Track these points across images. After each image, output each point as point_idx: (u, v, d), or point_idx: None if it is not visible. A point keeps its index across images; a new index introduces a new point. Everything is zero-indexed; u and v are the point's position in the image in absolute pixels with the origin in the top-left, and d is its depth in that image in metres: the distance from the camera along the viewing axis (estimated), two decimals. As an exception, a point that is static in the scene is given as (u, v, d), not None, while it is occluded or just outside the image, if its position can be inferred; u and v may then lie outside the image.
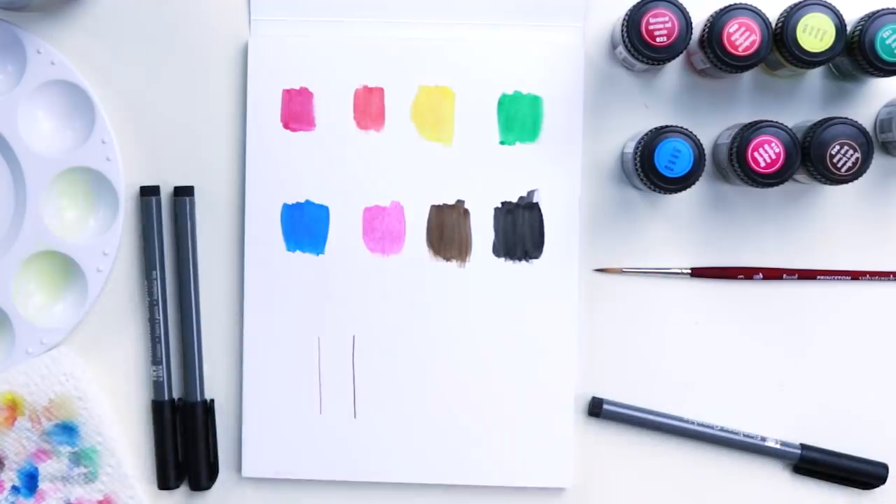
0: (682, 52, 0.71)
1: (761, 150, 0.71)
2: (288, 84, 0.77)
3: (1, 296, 0.77)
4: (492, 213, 0.77)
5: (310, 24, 0.77)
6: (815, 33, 0.70)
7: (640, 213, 0.78)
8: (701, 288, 0.78)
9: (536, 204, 0.77)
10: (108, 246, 0.77)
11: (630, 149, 0.74)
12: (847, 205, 0.78)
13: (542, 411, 0.77)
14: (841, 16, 0.71)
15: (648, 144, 0.71)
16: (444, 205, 0.77)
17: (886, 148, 0.77)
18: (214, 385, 0.79)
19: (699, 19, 0.72)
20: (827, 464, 0.77)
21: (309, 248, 0.78)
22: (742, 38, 0.71)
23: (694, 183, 0.71)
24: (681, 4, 0.71)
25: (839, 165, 0.71)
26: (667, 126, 0.72)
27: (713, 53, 0.71)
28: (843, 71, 0.76)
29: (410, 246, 0.78)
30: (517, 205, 0.77)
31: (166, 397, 0.78)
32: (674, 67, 0.77)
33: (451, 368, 0.77)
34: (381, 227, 0.78)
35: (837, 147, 0.71)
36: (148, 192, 0.78)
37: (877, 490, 0.78)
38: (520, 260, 0.77)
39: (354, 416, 0.78)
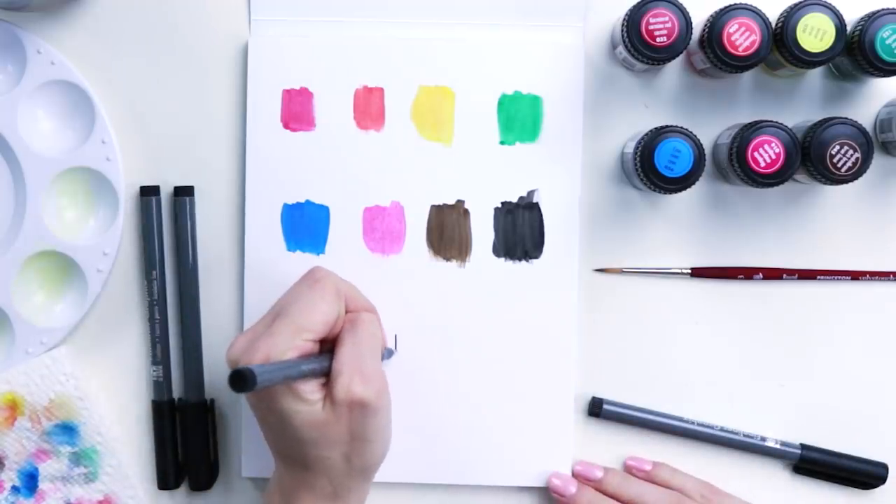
0: (682, 52, 0.71)
1: (761, 150, 0.71)
2: (288, 84, 0.77)
3: (1, 296, 0.77)
4: (492, 213, 0.77)
5: (310, 24, 0.77)
6: (815, 33, 0.70)
7: (640, 213, 0.78)
8: (701, 288, 0.78)
9: (536, 204, 0.77)
10: (108, 246, 0.77)
11: (630, 149, 0.74)
12: (847, 205, 0.78)
13: (542, 411, 0.77)
14: (841, 16, 0.71)
15: (648, 144, 0.71)
16: (444, 205, 0.77)
17: (886, 148, 0.77)
18: (214, 385, 0.79)
19: (699, 19, 0.72)
20: (827, 464, 0.77)
21: (309, 248, 0.78)
22: (742, 38, 0.71)
23: (694, 183, 0.71)
24: (681, 4, 0.71)
25: (839, 165, 0.71)
26: (667, 126, 0.72)
27: (713, 53, 0.71)
28: (843, 71, 0.76)
29: (410, 246, 0.78)
30: (517, 205, 0.77)
31: (166, 397, 0.78)
32: (674, 67, 0.77)
33: (451, 368, 0.77)
34: (381, 227, 0.78)
35: (837, 147, 0.71)
36: (148, 192, 0.78)
37: (877, 490, 0.78)
38: (520, 260, 0.77)
39: (354, 416, 0.78)
